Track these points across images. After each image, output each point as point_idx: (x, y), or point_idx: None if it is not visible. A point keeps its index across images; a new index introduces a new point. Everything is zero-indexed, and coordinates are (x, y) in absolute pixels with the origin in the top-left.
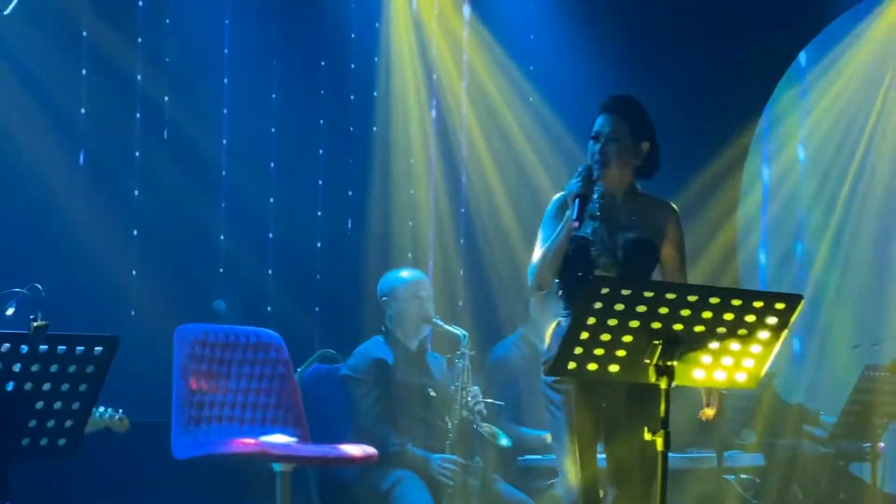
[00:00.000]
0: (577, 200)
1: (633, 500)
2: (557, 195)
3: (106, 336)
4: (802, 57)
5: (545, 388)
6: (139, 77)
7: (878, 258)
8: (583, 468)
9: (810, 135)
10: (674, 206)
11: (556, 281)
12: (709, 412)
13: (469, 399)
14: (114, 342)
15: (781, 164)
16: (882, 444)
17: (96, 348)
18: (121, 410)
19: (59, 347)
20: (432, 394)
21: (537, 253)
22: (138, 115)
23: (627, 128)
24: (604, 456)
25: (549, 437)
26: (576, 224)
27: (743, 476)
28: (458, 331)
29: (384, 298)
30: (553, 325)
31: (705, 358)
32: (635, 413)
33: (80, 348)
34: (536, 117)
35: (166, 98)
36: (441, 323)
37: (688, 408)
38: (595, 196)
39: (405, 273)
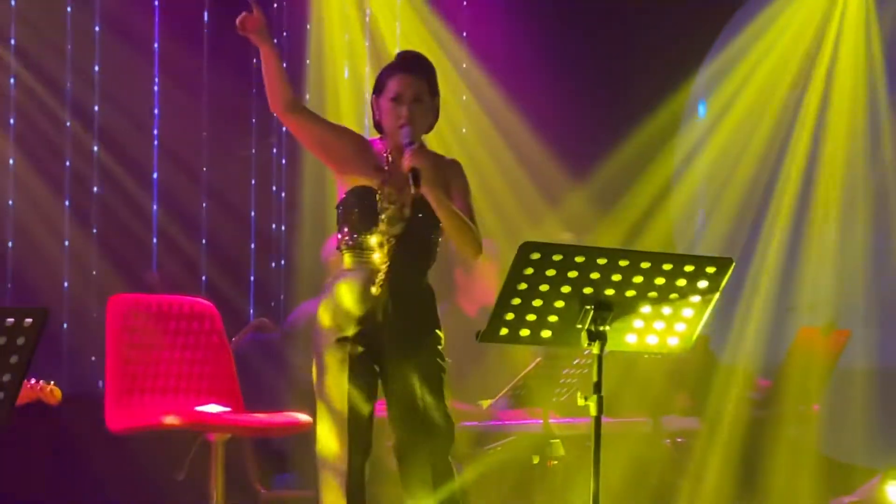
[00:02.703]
0: (411, 174)
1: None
2: (369, 138)
3: (36, 308)
4: None
5: (323, 350)
6: (69, 47)
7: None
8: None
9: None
10: (458, 161)
11: (342, 235)
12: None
13: None
14: (44, 314)
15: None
16: (817, 407)
17: (26, 320)
18: (52, 382)
19: None
20: None
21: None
22: (69, 83)
23: (426, 86)
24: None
25: (484, 404)
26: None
27: (678, 440)
28: None
29: None
30: (338, 284)
31: (637, 322)
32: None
33: (9, 320)
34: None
35: (96, 68)
36: None
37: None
38: (385, 153)
39: None
